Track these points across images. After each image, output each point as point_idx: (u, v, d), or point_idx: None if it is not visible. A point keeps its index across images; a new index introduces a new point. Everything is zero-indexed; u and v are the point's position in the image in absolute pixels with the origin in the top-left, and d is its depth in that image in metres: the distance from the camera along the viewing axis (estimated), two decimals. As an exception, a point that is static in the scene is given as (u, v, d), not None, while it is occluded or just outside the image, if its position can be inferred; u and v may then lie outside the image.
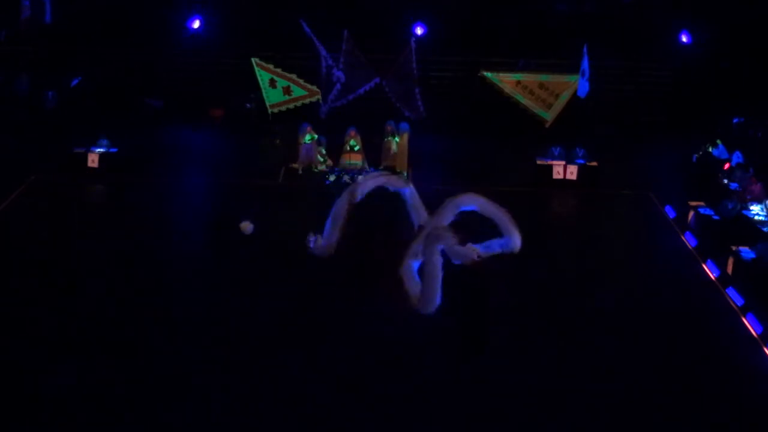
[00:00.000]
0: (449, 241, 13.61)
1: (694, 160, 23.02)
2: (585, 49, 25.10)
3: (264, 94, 27.43)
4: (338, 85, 27.40)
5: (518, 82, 27.43)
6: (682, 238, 19.54)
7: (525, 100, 27.37)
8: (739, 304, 16.17)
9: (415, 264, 13.88)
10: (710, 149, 22.79)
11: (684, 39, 27.65)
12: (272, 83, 27.39)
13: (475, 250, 13.86)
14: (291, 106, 27.50)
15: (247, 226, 17.26)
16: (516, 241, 14.31)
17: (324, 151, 22.78)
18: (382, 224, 17.27)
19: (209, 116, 27.76)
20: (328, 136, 22.99)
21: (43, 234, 18.81)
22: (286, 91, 27.41)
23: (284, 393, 13.07)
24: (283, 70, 27.39)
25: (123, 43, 28.12)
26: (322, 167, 22.64)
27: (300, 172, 22.48)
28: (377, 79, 27.42)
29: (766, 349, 14.73)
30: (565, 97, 27.17)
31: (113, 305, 15.56)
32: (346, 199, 14.62)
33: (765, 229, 18.49)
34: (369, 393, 13.13)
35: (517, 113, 27.14)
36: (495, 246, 14.34)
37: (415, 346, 14.37)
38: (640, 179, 23.21)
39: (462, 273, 13.70)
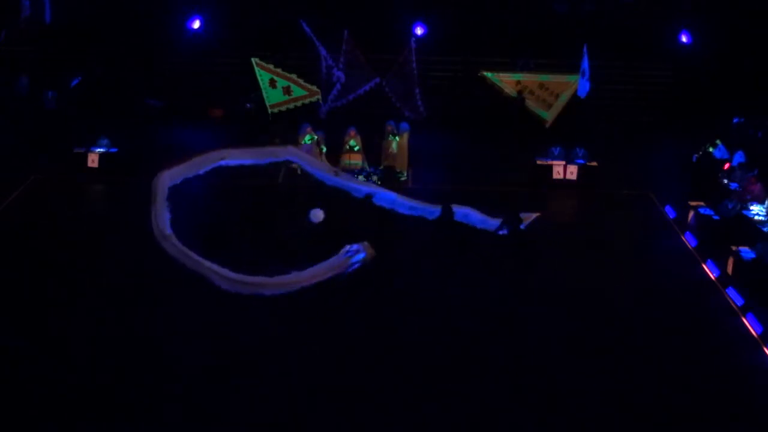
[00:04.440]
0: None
1: (694, 160, 23.00)
2: (585, 49, 25.10)
3: (264, 94, 27.46)
4: (338, 85, 27.42)
5: (518, 82, 27.45)
6: (682, 238, 19.53)
7: (525, 100, 27.38)
8: (739, 304, 16.18)
9: None
10: (710, 149, 22.78)
11: (684, 39, 27.63)
12: (272, 83, 27.41)
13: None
14: (291, 106, 27.54)
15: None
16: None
17: (324, 149, 22.80)
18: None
19: (209, 116, 27.75)
20: (327, 136, 23.00)
21: (43, 234, 18.81)
22: (286, 91, 27.44)
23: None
24: (283, 70, 27.42)
25: (123, 43, 28.10)
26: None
27: (299, 172, 22.45)
28: (377, 79, 27.45)
29: (766, 349, 14.73)
30: (565, 97, 27.20)
31: (112, 305, 15.57)
32: None
33: (765, 229, 18.49)
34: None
35: (517, 113, 27.14)
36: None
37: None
38: (640, 179, 23.20)
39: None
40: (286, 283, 15.50)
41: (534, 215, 18.37)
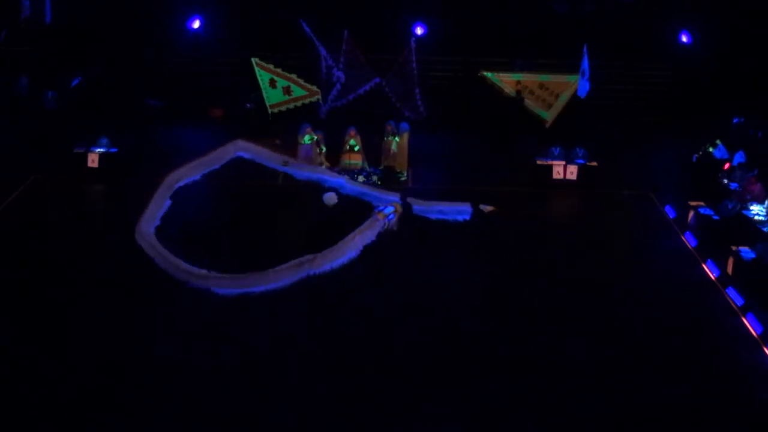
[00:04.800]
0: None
1: (694, 160, 23.02)
2: (585, 49, 25.10)
3: (264, 94, 27.46)
4: (338, 85, 27.43)
5: (518, 82, 27.45)
6: (682, 238, 19.54)
7: (525, 100, 27.39)
8: (739, 304, 16.18)
9: None
10: (710, 149, 22.79)
11: (684, 39, 27.63)
12: (272, 83, 27.41)
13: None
14: (291, 106, 27.55)
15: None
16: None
17: (324, 149, 22.83)
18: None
19: (209, 116, 27.75)
20: (327, 136, 23.03)
21: (43, 234, 18.80)
22: (286, 91, 27.45)
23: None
24: (283, 70, 27.42)
25: (123, 43, 28.10)
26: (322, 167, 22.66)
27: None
28: (377, 79, 27.45)
29: (766, 349, 14.74)
30: (565, 97, 27.20)
31: (112, 305, 15.57)
32: None
33: (765, 229, 18.49)
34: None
35: (517, 113, 27.14)
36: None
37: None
38: (640, 179, 23.21)
39: None
40: (333, 254, 15.73)
41: (490, 208, 18.55)
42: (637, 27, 27.80)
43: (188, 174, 17.74)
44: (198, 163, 17.92)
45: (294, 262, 15.65)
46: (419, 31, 27.56)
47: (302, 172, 18.98)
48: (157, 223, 16.94)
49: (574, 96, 26.46)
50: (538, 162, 23.12)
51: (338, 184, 18.80)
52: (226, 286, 15.49)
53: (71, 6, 27.75)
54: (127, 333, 14.65)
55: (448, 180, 22.97)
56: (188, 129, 26.53)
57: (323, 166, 22.67)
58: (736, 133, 24.51)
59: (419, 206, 18.36)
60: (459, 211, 18.38)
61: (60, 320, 14.99)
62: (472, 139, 26.24)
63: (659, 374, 13.94)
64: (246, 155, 18.55)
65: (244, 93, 27.52)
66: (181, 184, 17.45)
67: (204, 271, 15.66)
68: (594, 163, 23.10)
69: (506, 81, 27.50)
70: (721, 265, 17.70)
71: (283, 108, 27.53)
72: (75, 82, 27.68)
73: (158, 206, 17.09)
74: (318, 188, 18.48)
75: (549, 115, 27.40)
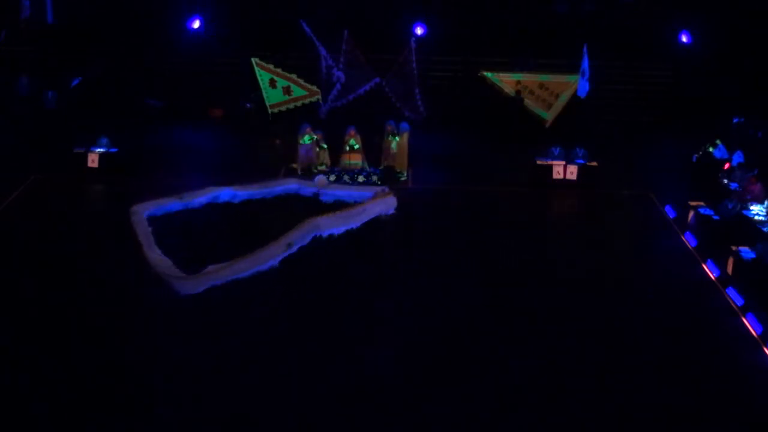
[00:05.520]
0: None
1: (694, 160, 23.02)
2: (585, 49, 25.10)
3: (264, 94, 27.47)
4: (338, 85, 27.43)
5: (518, 82, 27.45)
6: (682, 238, 19.53)
7: (525, 100, 27.39)
8: (739, 304, 16.18)
9: None
10: (710, 149, 22.79)
11: (684, 39, 27.64)
12: (272, 83, 27.42)
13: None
14: (291, 106, 27.55)
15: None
16: None
17: (325, 146, 22.86)
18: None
19: (209, 116, 27.75)
20: (327, 136, 23.04)
21: (43, 234, 18.80)
22: (286, 91, 27.46)
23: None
24: (283, 70, 27.43)
25: (123, 43, 28.11)
26: (322, 167, 22.68)
27: (299, 172, 22.50)
28: (377, 79, 27.46)
29: (766, 349, 14.74)
30: (565, 97, 27.20)
31: (112, 305, 15.57)
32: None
33: (765, 229, 18.49)
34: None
35: (517, 113, 27.14)
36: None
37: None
38: (640, 179, 23.21)
39: None
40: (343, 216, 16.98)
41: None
42: (637, 27, 27.81)
43: (154, 257, 17.57)
44: (145, 247, 17.65)
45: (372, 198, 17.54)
46: (419, 31, 27.57)
47: (195, 199, 19.77)
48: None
49: (574, 96, 26.46)
50: (538, 162, 23.12)
51: (229, 195, 19.98)
52: (331, 225, 16.45)
53: (72, 6, 27.75)
54: (127, 333, 14.65)
55: (448, 180, 22.99)
56: (188, 129, 26.53)
57: (323, 166, 22.73)
58: (736, 133, 24.51)
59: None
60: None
61: (60, 320, 14.99)
62: (472, 139, 26.23)
63: (659, 374, 13.94)
64: (153, 212, 18.85)
65: (244, 93, 27.54)
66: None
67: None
68: (594, 163, 23.09)
69: (506, 81, 27.50)
70: (721, 265, 17.70)
71: (283, 108, 27.54)
72: (75, 82, 27.68)
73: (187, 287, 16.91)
74: (215, 206, 19.56)
75: (549, 115, 27.41)
